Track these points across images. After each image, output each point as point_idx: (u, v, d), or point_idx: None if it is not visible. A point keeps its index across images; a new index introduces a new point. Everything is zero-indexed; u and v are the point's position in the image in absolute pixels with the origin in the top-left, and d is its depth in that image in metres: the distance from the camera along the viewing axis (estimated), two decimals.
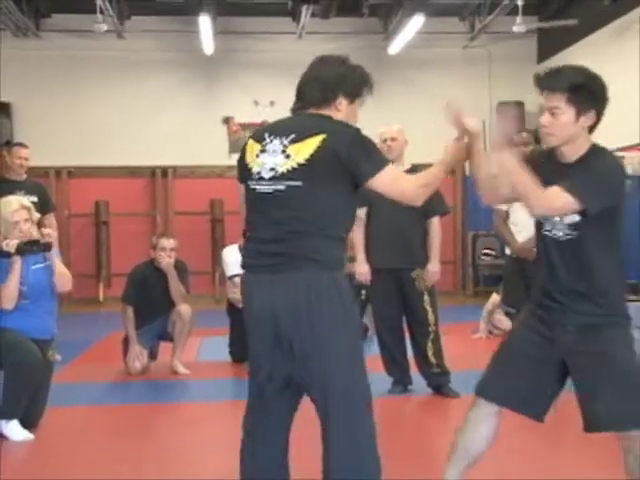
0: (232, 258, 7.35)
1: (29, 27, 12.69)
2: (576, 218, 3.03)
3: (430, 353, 5.97)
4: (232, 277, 7.32)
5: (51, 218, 7.44)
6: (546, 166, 3.13)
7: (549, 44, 13.87)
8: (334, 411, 3.00)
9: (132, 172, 13.63)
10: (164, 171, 13.63)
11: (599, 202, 2.99)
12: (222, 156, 13.79)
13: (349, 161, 2.93)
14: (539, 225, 3.19)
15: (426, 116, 13.27)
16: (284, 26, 13.62)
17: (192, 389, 6.54)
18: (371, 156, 3.00)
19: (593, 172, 3.00)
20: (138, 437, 5.06)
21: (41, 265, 5.13)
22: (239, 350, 7.28)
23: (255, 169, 3.07)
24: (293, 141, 2.99)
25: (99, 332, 9.21)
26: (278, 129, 3.10)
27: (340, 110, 3.10)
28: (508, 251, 6.55)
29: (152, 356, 7.08)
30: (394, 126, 6.04)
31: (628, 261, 10.64)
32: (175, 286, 6.85)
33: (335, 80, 3.10)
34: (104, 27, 11.95)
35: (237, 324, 7.37)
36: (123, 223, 13.36)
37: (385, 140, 5.91)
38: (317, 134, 2.96)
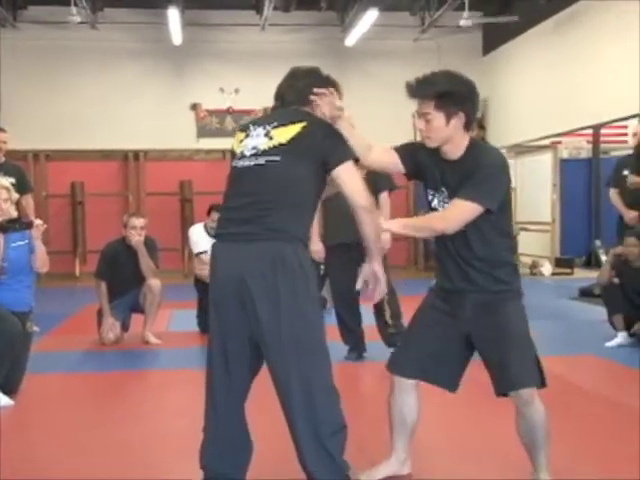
0: (198, 236, 7.33)
1: (7, 18, 12.50)
2: None
3: (387, 315, 6.00)
4: (199, 254, 7.30)
5: (28, 198, 7.35)
6: (430, 162, 3.21)
7: (493, 37, 13.95)
8: (292, 375, 2.98)
9: (106, 155, 13.56)
10: (136, 154, 13.57)
11: (497, 199, 3.10)
12: (190, 140, 13.74)
13: (324, 147, 3.01)
14: (432, 209, 3.25)
15: (381, 104, 13.36)
16: (248, 18, 13.56)
17: (162, 357, 6.52)
18: (342, 147, 3.07)
19: (483, 173, 3.07)
20: (112, 402, 5.04)
21: (21, 243, 5.07)
22: (206, 321, 7.26)
23: (238, 150, 3.13)
24: (276, 127, 3.06)
25: (75, 305, 9.15)
26: (262, 120, 3.20)
27: (315, 111, 3.16)
28: None
29: (124, 327, 7.04)
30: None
31: (565, 238, 10.71)
32: (145, 262, 6.81)
33: (309, 86, 3.16)
34: (78, 18, 11.85)
35: (205, 297, 7.34)
36: (98, 203, 13.27)
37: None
38: (299, 122, 3.04)
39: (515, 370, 3.13)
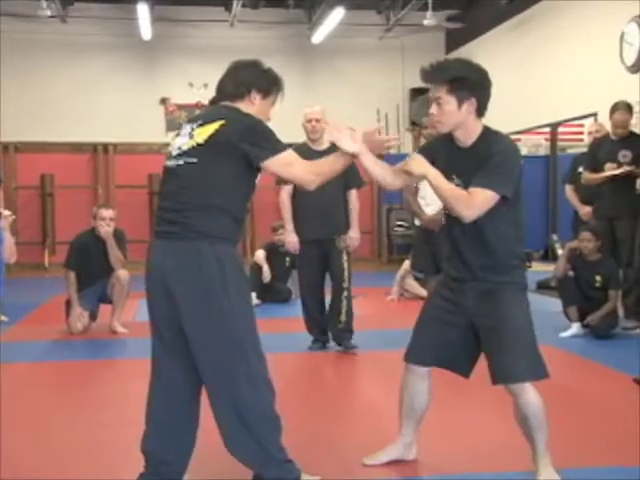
0: None
1: None
2: None
3: (343, 311, 6.01)
4: None
5: None
6: (443, 151, 3.20)
7: (456, 37, 14.00)
8: (210, 368, 3.01)
9: (76, 148, 13.43)
10: (105, 147, 13.45)
11: (511, 186, 3.06)
12: (159, 134, 13.64)
13: (242, 145, 2.95)
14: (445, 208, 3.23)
15: (347, 100, 13.38)
16: (217, 15, 13.47)
17: (130, 347, 6.48)
18: (266, 142, 3.01)
19: (496, 160, 3.04)
20: (79, 390, 5.02)
21: None
22: None
23: (170, 149, 3.13)
24: (199, 125, 3.03)
25: (44, 295, 9.06)
26: (193, 117, 3.16)
27: (254, 104, 3.14)
28: (417, 222, 6.60)
29: (93, 317, 7.00)
30: (317, 107, 6.05)
31: (524, 232, 10.69)
32: (113, 253, 6.77)
33: (249, 78, 3.15)
34: (48, 12, 11.73)
35: None
36: (67, 195, 13.14)
37: (310, 120, 5.94)
38: (218, 120, 3.00)
39: (510, 363, 3.12)
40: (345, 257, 5.99)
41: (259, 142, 2.99)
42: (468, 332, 3.23)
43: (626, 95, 7.72)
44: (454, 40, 14.10)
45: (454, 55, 14.03)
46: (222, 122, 2.98)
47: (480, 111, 3.12)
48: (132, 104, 13.59)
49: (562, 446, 3.73)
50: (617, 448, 3.72)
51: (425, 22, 12.29)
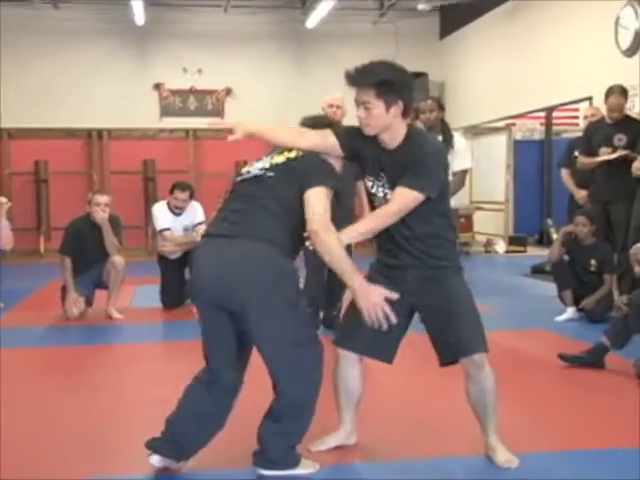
0: (161, 214, 7.28)
1: None
2: None
3: (343, 298, 5.99)
4: (161, 231, 7.26)
5: None
6: (369, 147, 3.20)
7: (450, 21, 13.96)
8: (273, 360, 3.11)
9: (70, 134, 13.39)
10: (100, 133, 13.41)
11: (436, 186, 3.14)
12: (154, 119, 13.62)
13: (305, 172, 3.11)
14: (371, 201, 3.28)
15: (341, 86, 13.34)
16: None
17: (125, 332, 6.49)
18: (318, 174, 3.13)
19: (422, 162, 3.11)
20: (75, 374, 5.02)
21: None
22: (169, 297, 7.25)
23: (246, 169, 3.27)
24: (279, 153, 3.22)
25: (39, 281, 9.04)
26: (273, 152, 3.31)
27: None
28: None
29: (88, 303, 6.99)
30: (338, 93, 5.97)
31: (519, 217, 10.78)
32: (109, 238, 6.76)
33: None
34: None
35: (167, 273, 7.33)
36: (62, 181, 13.11)
37: (332, 106, 5.91)
38: (292, 151, 3.20)
39: (467, 337, 3.18)
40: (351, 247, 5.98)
41: (314, 173, 3.13)
42: (403, 319, 3.26)
43: (621, 79, 7.71)
44: (448, 24, 14.05)
45: (449, 40, 14.00)
46: (297, 154, 3.18)
47: (405, 113, 3.15)
48: (126, 89, 13.54)
49: (560, 428, 3.76)
50: (614, 430, 3.74)
51: (419, 7, 12.26)
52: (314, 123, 3.39)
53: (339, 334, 3.42)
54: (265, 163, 3.20)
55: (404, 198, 3.10)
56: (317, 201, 3.06)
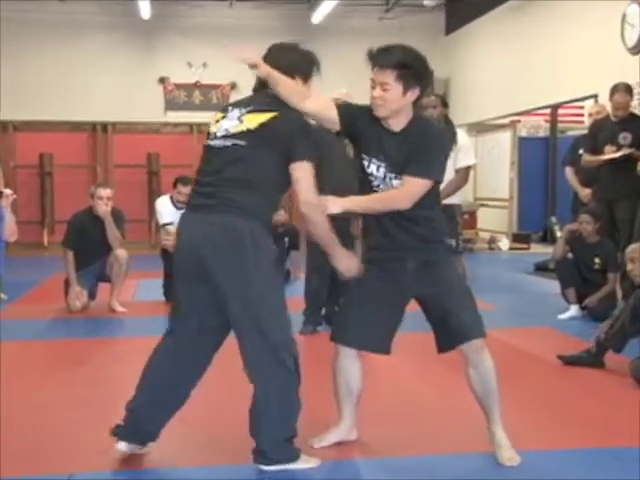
0: (164, 208, 7.27)
1: None
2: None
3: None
4: (164, 225, 7.25)
5: None
6: (371, 128, 3.19)
7: (456, 18, 13.92)
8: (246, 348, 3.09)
9: (75, 127, 13.40)
10: (104, 126, 13.42)
11: (443, 171, 3.19)
12: (158, 113, 13.61)
13: (289, 141, 3.04)
14: (367, 181, 3.24)
15: (346, 81, 13.31)
16: None
17: (128, 325, 6.49)
18: (305, 145, 3.09)
19: (426, 147, 3.11)
20: (78, 367, 5.02)
21: None
22: (172, 291, 7.22)
23: (212, 130, 3.19)
24: (249, 112, 3.11)
25: (43, 274, 9.05)
26: (240, 103, 3.22)
27: None
28: None
29: (91, 296, 7.00)
30: (343, 89, 5.92)
31: (523, 214, 10.77)
32: (112, 232, 6.76)
33: (291, 63, 3.20)
34: None
35: (170, 267, 7.30)
36: (66, 174, 13.12)
37: (337, 100, 5.81)
38: (271, 111, 3.07)
39: (468, 321, 3.19)
40: (356, 243, 5.99)
41: (302, 143, 3.07)
42: (400, 307, 3.29)
43: (627, 77, 7.69)
44: (454, 21, 14.02)
45: (454, 36, 13.97)
46: (274, 114, 3.06)
47: (417, 101, 3.16)
48: (131, 83, 13.54)
49: (560, 427, 3.75)
50: (614, 429, 3.73)
51: (425, 2, 12.23)
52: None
53: (336, 329, 3.42)
54: (234, 125, 3.09)
55: (415, 186, 3.10)
56: (305, 177, 3.07)
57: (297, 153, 3.05)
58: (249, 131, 3.05)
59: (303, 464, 3.17)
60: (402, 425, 3.78)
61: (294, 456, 3.15)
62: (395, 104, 3.09)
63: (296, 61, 3.22)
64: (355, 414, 3.46)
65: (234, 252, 3.00)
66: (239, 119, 3.10)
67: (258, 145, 3.04)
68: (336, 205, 3.16)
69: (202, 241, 3.03)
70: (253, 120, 3.06)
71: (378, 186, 3.20)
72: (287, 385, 3.08)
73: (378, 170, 3.19)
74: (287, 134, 3.04)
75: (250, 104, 3.15)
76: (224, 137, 3.11)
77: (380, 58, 3.10)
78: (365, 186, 3.25)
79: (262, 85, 3.19)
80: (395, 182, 3.16)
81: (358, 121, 3.20)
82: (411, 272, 3.21)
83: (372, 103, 3.14)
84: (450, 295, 3.20)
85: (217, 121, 3.19)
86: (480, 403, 3.30)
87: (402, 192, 3.12)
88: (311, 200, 3.09)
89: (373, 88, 3.12)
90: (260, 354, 3.05)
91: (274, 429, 3.10)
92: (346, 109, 3.24)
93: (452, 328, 3.20)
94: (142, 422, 3.21)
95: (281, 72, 3.12)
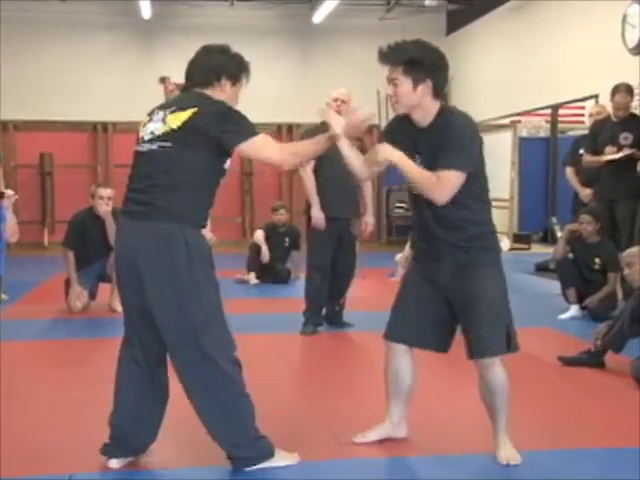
0: None
1: None
2: None
3: (345, 295, 6.06)
4: None
5: None
6: (403, 132, 3.23)
7: (456, 18, 13.93)
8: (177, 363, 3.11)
9: (75, 127, 13.40)
10: (105, 126, 13.43)
11: (472, 160, 3.14)
12: None
13: (214, 132, 3.02)
14: (409, 188, 3.25)
15: (347, 81, 13.32)
16: None
17: None
18: (237, 127, 3.07)
19: (454, 138, 3.10)
20: (78, 367, 5.02)
21: None
22: None
23: (140, 134, 3.19)
24: (172, 112, 3.09)
25: (43, 274, 9.05)
26: (165, 105, 3.23)
27: (225, 91, 3.20)
28: None
29: (92, 296, 7.00)
30: (342, 89, 5.91)
31: (523, 214, 10.72)
32: (112, 232, 6.67)
33: (218, 65, 3.21)
34: None
35: None
36: (66, 174, 13.13)
37: (336, 99, 5.81)
38: (191, 107, 3.06)
39: (485, 338, 3.18)
40: (357, 244, 6.04)
41: (231, 128, 3.05)
42: (444, 309, 3.28)
43: (627, 77, 7.69)
44: (455, 21, 14.02)
45: (455, 36, 13.97)
46: (195, 110, 3.04)
47: (436, 92, 3.16)
48: (131, 83, 13.54)
49: (560, 427, 3.75)
50: (615, 429, 3.73)
51: (426, 3, 12.23)
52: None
53: (388, 327, 3.40)
54: (158, 128, 3.08)
55: (447, 179, 3.07)
56: (260, 148, 3.08)
57: (231, 139, 3.04)
58: (173, 131, 3.04)
59: (281, 461, 3.17)
60: (444, 423, 3.79)
61: (268, 452, 3.14)
62: (408, 99, 3.14)
63: (224, 63, 3.21)
64: (404, 411, 3.46)
65: (165, 261, 3.00)
66: (163, 120, 3.09)
67: (184, 144, 3.03)
68: (386, 152, 3.14)
69: (136, 249, 3.04)
70: (176, 119, 3.05)
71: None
72: (227, 391, 3.07)
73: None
74: (211, 126, 3.01)
75: (173, 104, 3.16)
76: (150, 141, 3.10)
77: (388, 56, 3.16)
78: (408, 190, 3.28)
79: (188, 84, 3.21)
80: None
81: (394, 132, 3.27)
82: (447, 274, 3.22)
83: (390, 101, 3.23)
84: (475, 308, 3.18)
85: (144, 125, 3.18)
86: (488, 414, 3.31)
87: (438, 184, 3.09)
88: (283, 156, 3.13)
89: (388, 85, 3.19)
90: (195, 366, 3.04)
91: (230, 436, 3.09)
92: (387, 133, 3.32)
93: (469, 342, 3.22)
94: (127, 438, 3.20)
95: (208, 75, 3.16)
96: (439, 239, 3.21)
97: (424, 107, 3.16)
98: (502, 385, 3.24)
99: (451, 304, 3.27)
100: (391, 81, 3.16)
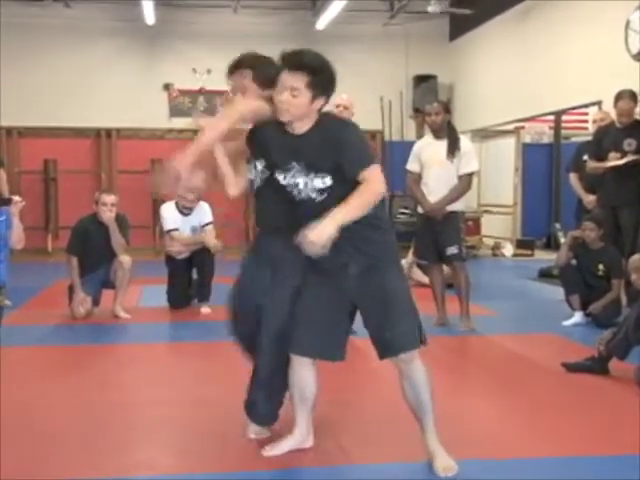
0: (169, 214, 7.28)
1: None
2: (327, 183, 3.05)
3: None
4: (169, 231, 7.25)
5: (0, 172, 7.26)
6: (274, 135, 3.15)
7: (460, 24, 13.93)
8: None
9: (79, 133, 13.42)
10: (108, 132, 13.43)
11: (371, 152, 3.14)
12: (163, 119, 13.63)
13: None
14: (285, 186, 3.15)
15: (350, 87, 13.31)
16: (221, 0, 13.42)
17: (132, 332, 6.49)
18: None
19: (348, 139, 3.04)
20: (80, 373, 5.01)
21: (0, 218, 5.02)
22: (176, 297, 7.25)
23: None
24: None
25: (47, 280, 9.06)
26: None
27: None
28: (420, 210, 6.58)
29: (95, 302, 6.99)
30: (344, 95, 5.92)
31: (526, 220, 10.68)
32: (116, 238, 6.76)
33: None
34: None
35: (174, 274, 7.32)
36: (70, 180, 13.14)
37: (338, 106, 5.81)
38: None
39: (401, 334, 3.11)
40: None
41: None
42: (347, 313, 3.26)
43: (631, 83, 7.69)
44: (458, 27, 14.03)
45: (458, 42, 13.97)
46: None
47: (322, 108, 3.11)
48: (135, 89, 13.56)
49: (562, 434, 3.74)
50: (617, 436, 3.72)
51: (429, 9, 12.24)
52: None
53: (293, 341, 3.27)
54: None
55: (374, 174, 3.00)
56: None
57: None
58: None
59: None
60: (384, 430, 3.76)
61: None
62: (301, 110, 3.03)
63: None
64: (310, 422, 3.42)
65: None
66: None
67: None
68: (332, 226, 2.89)
69: None
70: None
71: (305, 197, 3.09)
72: None
73: (295, 180, 3.10)
74: None
75: None
76: None
77: (294, 61, 3.04)
78: (284, 201, 3.16)
79: None
80: (316, 181, 3.06)
81: (258, 136, 3.21)
82: (352, 278, 3.15)
83: (277, 106, 3.06)
84: (387, 305, 3.11)
85: None
86: (413, 414, 3.24)
87: (371, 183, 2.99)
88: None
89: (281, 92, 3.03)
90: None
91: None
92: (250, 141, 3.28)
93: (385, 339, 3.13)
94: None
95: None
96: (342, 243, 2.99)
97: (308, 119, 3.07)
98: (425, 378, 3.18)
99: (351, 307, 3.23)
100: (288, 88, 3.00)
